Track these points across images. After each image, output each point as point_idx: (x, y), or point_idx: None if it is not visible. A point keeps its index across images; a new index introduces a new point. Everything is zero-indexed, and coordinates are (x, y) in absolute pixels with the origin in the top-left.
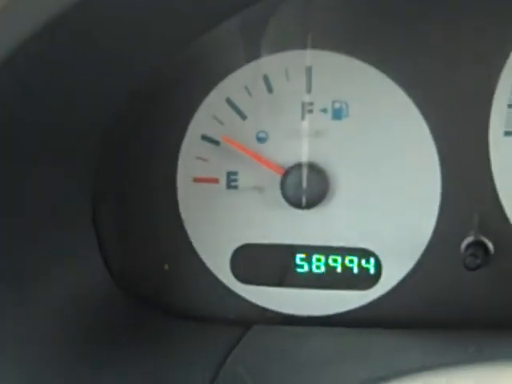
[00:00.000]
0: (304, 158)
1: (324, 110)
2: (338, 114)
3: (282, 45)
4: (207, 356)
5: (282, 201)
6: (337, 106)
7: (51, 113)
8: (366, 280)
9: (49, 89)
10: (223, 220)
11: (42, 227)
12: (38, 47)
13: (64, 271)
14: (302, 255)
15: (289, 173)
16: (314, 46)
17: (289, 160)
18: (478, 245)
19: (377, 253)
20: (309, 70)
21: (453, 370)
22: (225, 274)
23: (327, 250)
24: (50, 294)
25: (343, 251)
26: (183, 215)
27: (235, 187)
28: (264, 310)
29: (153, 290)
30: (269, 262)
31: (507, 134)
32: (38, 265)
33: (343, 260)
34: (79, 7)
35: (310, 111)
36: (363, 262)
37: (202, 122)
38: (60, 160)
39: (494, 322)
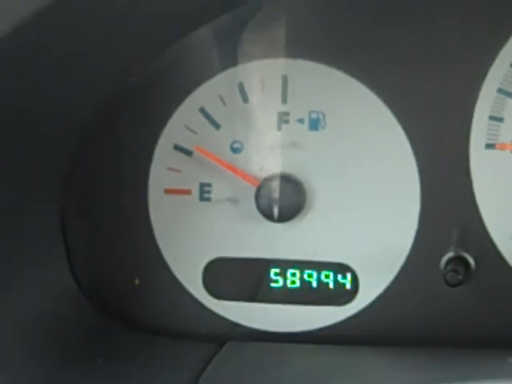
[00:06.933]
0: (279, 170)
1: (300, 121)
2: (314, 125)
3: (258, 53)
4: (179, 374)
5: (257, 213)
6: (313, 116)
7: (24, 121)
8: (342, 295)
9: (23, 96)
10: (196, 233)
11: (7, 237)
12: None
13: (30, 283)
14: (277, 270)
15: (264, 185)
16: (290, 55)
17: (264, 171)
18: (459, 260)
19: (353, 268)
20: (285, 79)
21: None
22: (197, 289)
23: (303, 265)
24: (14, 306)
25: (319, 266)
26: (154, 228)
27: (208, 199)
28: (237, 325)
29: (122, 304)
30: (242, 277)
31: (488, 146)
32: (2, 276)
33: (319, 275)
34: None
35: (286, 121)
36: (339, 277)
37: (174, 131)
38: (29, 169)
39: (476, 340)
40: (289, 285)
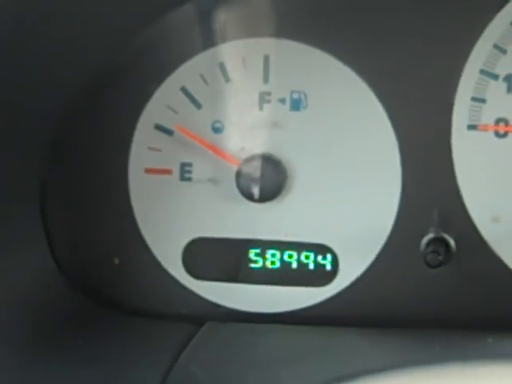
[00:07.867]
0: (260, 150)
1: (282, 101)
2: (296, 105)
3: (240, 32)
4: (159, 354)
5: (238, 194)
6: (295, 96)
7: (8, 101)
8: (322, 276)
9: (8, 76)
10: (176, 213)
11: None
12: None
13: (8, 264)
14: (257, 250)
15: (245, 165)
16: (272, 35)
17: (245, 151)
18: (440, 241)
19: (334, 249)
20: (266, 59)
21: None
22: (177, 269)
23: (283, 245)
24: None
25: (299, 247)
26: (134, 207)
27: (189, 179)
28: (217, 306)
29: (102, 285)
30: (222, 257)
31: (470, 127)
32: None
33: (299, 256)
34: None
35: (268, 101)
36: (319, 257)
37: (155, 110)
38: (7, 147)
39: (456, 321)
40: (269, 265)
